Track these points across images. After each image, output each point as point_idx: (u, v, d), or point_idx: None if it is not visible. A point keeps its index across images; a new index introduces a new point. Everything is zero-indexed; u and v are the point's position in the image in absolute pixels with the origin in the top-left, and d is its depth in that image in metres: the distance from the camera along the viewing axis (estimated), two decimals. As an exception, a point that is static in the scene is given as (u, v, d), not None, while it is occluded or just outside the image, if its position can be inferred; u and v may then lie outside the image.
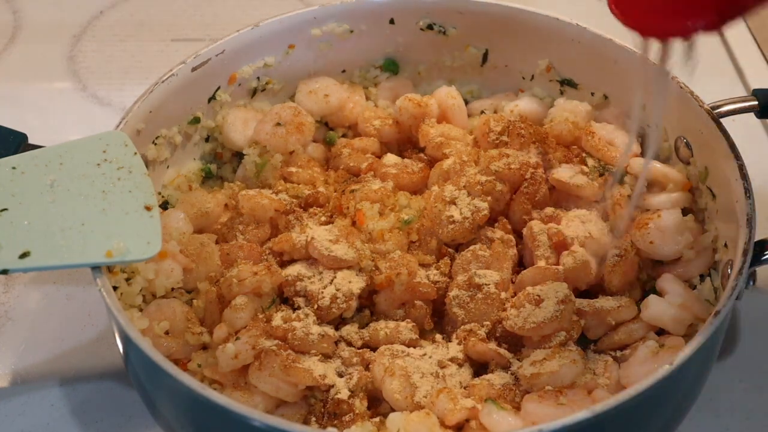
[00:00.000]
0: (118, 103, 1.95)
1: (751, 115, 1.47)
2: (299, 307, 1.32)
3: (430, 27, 1.66)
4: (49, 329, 1.52)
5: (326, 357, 1.28)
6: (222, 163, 1.62)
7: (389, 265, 1.34)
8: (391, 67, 1.70)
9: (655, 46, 1.11)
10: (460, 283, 1.33)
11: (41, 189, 1.28)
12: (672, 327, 1.28)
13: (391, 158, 1.55)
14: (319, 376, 1.22)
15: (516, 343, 1.30)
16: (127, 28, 2.19)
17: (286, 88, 1.66)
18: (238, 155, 1.60)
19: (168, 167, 1.53)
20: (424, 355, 1.28)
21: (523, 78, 1.68)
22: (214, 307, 1.33)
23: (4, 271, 1.19)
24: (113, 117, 1.46)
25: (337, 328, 1.32)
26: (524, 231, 1.40)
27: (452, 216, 1.38)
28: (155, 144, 1.48)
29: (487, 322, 1.30)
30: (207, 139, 1.60)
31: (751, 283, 1.30)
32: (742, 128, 1.56)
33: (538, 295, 1.28)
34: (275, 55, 1.62)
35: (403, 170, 1.50)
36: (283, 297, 1.35)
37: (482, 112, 1.66)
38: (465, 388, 1.25)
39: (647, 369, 1.20)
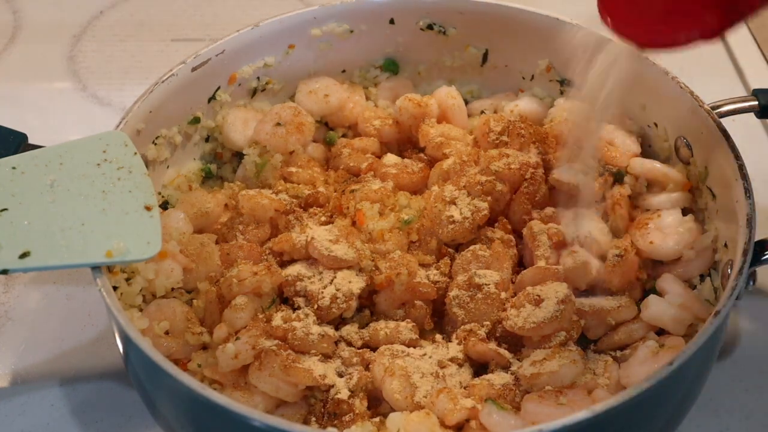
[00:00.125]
0: (118, 103, 1.95)
1: (751, 115, 1.47)
2: (299, 307, 1.32)
3: (430, 27, 1.66)
4: (49, 329, 1.52)
5: (326, 357, 1.28)
6: (222, 163, 1.62)
7: (389, 265, 1.34)
8: (391, 67, 1.70)
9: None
10: (460, 283, 1.33)
11: (41, 189, 1.28)
12: (672, 327, 1.28)
13: (391, 158, 1.55)
14: (319, 376, 1.22)
15: (516, 343, 1.30)
16: (127, 28, 2.19)
17: (286, 88, 1.66)
18: (238, 155, 1.60)
19: (168, 167, 1.53)
20: (424, 355, 1.28)
21: (523, 78, 1.68)
22: (214, 307, 1.33)
23: (4, 271, 1.19)
24: (113, 117, 1.46)
25: (337, 328, 1.32)
26: (524, 231, 1.40)
27: (452, 216, 1.38)
28: (155, 144, 1.48)
29: (487, 322, 1.30)
30: (207, 139, 1.60)
31: (751, 283, 1.30)
32: (742, 128, 1.56)
33: (538, 295, 1.28)
34: (275, 55, 1.62)
35: (403, 170, 1.50)
36: (283, 297, 1.35)
37: (482, 112, 1.66)
38: (465, 388, 1.25)
39: (647, 369, 1.20)
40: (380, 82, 1.70)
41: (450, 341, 1.31)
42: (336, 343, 1.30)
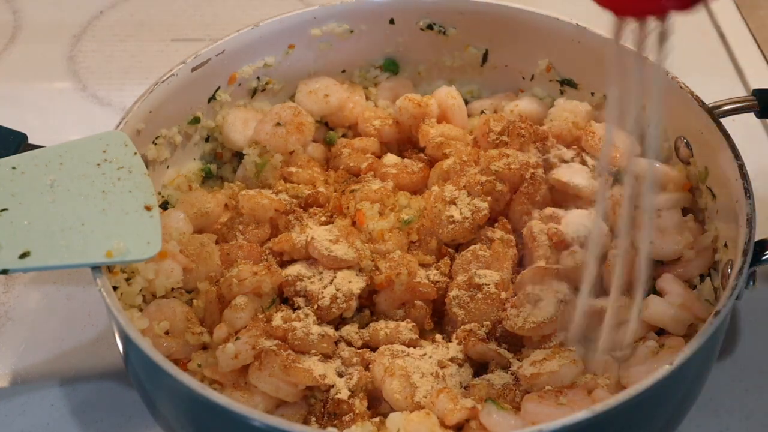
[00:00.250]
0: (118, 103, 1.95)
1: (751, 115, 1.47)
2: (299, 307, 1.32)
3: (430, 27, 1.66)
4: (49, 329, 1.52)
5: (326, 357, 1.28)
6: (222, 163, 1.62)
7: (389, 265, 1.34)
8: (391, 67, 1.70)
9: (628, 30, 1.09)
10: (460, 283, 1.33)
11: (41, 189, 1.28)
12: (672, 327, 1.28)
13: (391, 158, 1.55)
14: (319, 376, 1.22)
15: (516, 343, 1.30)
16: (127, 28, 2.19)
17: (286, 88, 1.66)
18: (238, 155, 1.60)
19: (168, 167, 1.53)
20: (424, 355, 1.28)
21: (523, 78, 1.68)
22: (214, 307, 1.33)
23: (4, 271, 1.19)
24: (113, 117, 1.46)
25: (337, 328, 1.32)
26: (524, 231, 1.40)
27: (452, 216, 1.38)
28: (155, 144, 1.48)
29: (487, 322, 1.30)
30: (207, 139, 1.60)
31: (751, 283, 1.30)
32: (742, 128, 1.56)
33: (538, 295, 1.28)
34: (275, 55, 1.62)
35: (403, 170, 1.50)
36: (283, 297, 1.35)
37: (482, 112, 1.66)
38: (465, 388, 1.25)
39: (647, 369, 1.20)
40: (380, 82, 1.70)
41: (450, 341, 1.31)
42: (336, 343, 1.30)
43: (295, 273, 1.34)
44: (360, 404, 1.23)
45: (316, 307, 1.30)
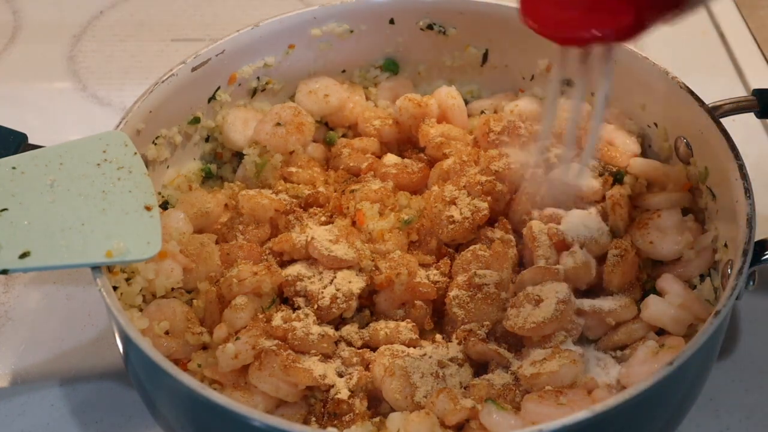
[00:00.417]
0: (118, 103, 1.95)
1: (751, 115, 1.47)
2: (299, 307, 1.32)
3: (430, 27, 1.66)
4: (49, 329, 1.52)
5: (326, 357, 1.28)
6: (222, 163, 1.62)
7: (389, 265, 1.34)
8: (391, 67, 1.70)
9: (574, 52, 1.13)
10: (460, 283, 1.33)
11: (41, 189, 1.28)
12: (672, 327, 1.28)
13: (391, 158, 1.55)
14: (319, 376, 1.22)
15: (516, 343, 1.30)
16: (127, 28, 2.19)
17: (286, 88, 1.66)
18: (238, 155, 1.60)
19: (168, 167, 1.53)
20: (424, 355, 1.28)
21: (523, 78, 1.68)
22: (214, 307, 1.33)
23: (4, 271, 1.19)
24: (113, 117, 1.46)
25: (337, 328, 1.32)
26: (524, 231, 1.40)
27: (452, 216, 1.38)
28: (155, 144, 1.48)
29: (487, 322, 1.30)
30: (207, 139, 1.60)
31: (751, 283, 1.30)
32: (742, 128, 1.56)
33: (538, 295, 1.28)
34: (275, 55, 1.62)
35: (403, 170, 1.50)
36: (283, 297, 1.35)
37: (482, 112, 1.66)
38: (465, 388, 1.25)
39: (647, 369, 1.20)
40: (380, 82, 1.70)
41: (450, 341, 1.31)
42: (336, 343, 1.30)
43: (295, 273, 1.34)
44: (360, 404, 1.23)
45: (316, 307, 1.30)
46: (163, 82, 1.46)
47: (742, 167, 1.30)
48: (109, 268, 1.27)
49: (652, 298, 1.30)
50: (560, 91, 1.65)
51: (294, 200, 1.46)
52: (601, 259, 1.37)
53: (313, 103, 1.61)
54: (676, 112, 1.45)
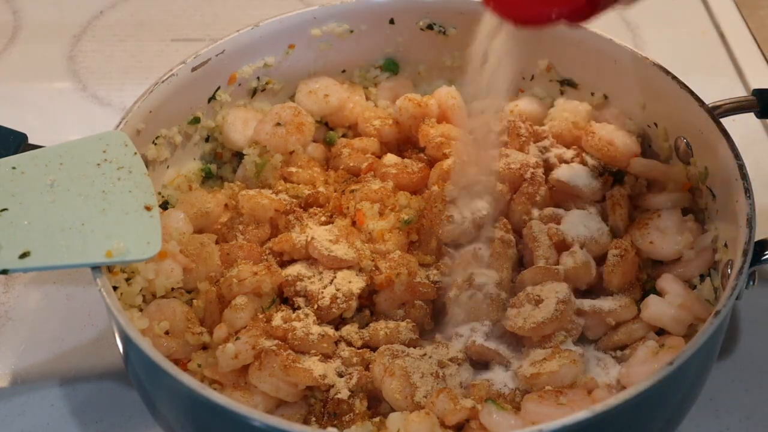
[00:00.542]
0: (118, 103, 1.95)
1: (751, 115, 1.47)
2: (299, 307, 1.32)
3: (430, 27, 1.66)
4: (49, 329, 1.52)
5: (326, 357, 1.28)
6: (222, 163, 1.62)
7: (389, 265, 1.34)
8: (391, 67, 1.70)
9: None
10: (460, 283, 1.33)
11: (41, 189, 1.28)
12: (672, 327, 1.28)
13: (391, 158, 1.55)
14: (319, 376, 1.22)
15: (516, 343, 1.30)
16: (127, 28, 2.19)
17: (286, 88, 1.66)
18: (238, 155, 1.60)
19: (168, 167, 1.53)
20: (424, 355, 1.28)
21: (523, 78, 1.68)
22: (214, 307, 1.33)
23: (4, 271, 1.19)
24: (113, 117, 1.46)
25: (337, 328, 1.32)
26: (524, 231, 1.40)
27: (452, 216, 1.38)
28: (155, 144, 1.48)
29: (488, 322, 1.30)
30: (207, 139, 1.60)
31: (751, 283, 1.30)
32: (742, 128, 1.56)
33: (538, 295, 1.28)
34: (275, 55, 1.62)
35: (403, 170, 1.50)
36: (283, 297, 1.35)
37: (482, 112, 1.66)
38: (465, 388, 1.25)
39: (647, 369, 1.20)
40: (380, 82, 1.70)
41: (450, 341, 1.31)
42: (336, 343, 1.30)
43: (295, 273, 1.34)
44: (360, 404, 1.23)
45: (316, 307, 1.30)
46: (163, 82, 1.46)
47: (742, 167, 1.30)
48: (109, 268, 1.27)
49: (652, 298, 1.30)
50: (560, 91, 1.66)
51: (294, 200, 1.46)
52: (601, 259, 1.37)
53: (313, 103, 1.61)
54: (676, 112, 1.45)
